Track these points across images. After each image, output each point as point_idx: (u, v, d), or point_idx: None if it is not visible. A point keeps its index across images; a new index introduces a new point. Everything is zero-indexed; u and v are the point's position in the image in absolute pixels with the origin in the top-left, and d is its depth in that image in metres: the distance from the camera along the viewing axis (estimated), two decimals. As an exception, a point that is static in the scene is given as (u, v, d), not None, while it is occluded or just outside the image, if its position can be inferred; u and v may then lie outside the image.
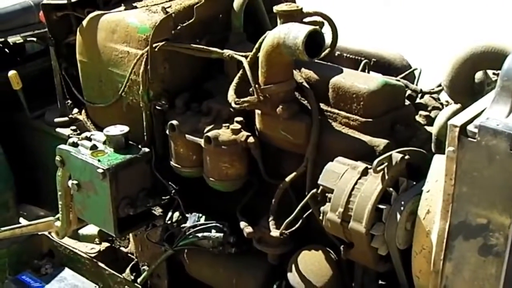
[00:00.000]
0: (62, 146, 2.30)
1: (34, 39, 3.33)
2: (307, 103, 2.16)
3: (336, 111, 2.13)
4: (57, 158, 2.29)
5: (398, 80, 2.30)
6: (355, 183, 1.91)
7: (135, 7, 2.45)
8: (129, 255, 2.67)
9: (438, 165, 1.76)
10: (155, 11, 2.36)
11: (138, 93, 2.35)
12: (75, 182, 2.25)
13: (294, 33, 1.96)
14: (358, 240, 1.91)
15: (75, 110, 2.80)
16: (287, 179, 2.15)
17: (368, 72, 2.44)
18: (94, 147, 2.24)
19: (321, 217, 1.98)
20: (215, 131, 2.19)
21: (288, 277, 2.12)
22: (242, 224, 2.22)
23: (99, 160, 2.18)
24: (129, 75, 2.34)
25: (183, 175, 2.34)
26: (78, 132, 2.75)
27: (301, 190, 2.14)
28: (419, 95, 2.36)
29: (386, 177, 1.87)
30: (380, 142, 2.04)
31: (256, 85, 2.08)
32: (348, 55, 2.56)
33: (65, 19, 2.68)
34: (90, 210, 2.28)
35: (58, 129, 2.84)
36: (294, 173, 2.14)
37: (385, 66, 2.53)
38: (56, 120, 2.88)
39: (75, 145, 2.28)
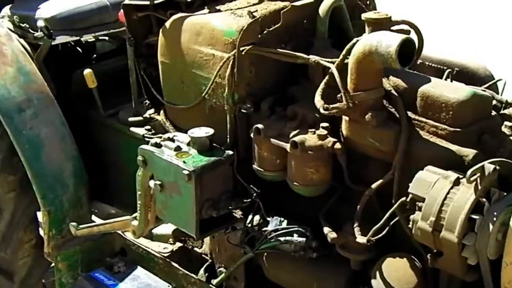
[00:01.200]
0: (144, 146, 2.39)
1: (106, 38, 3.44)
2: (394, 111, 2.21)
3: (424, 119, 2.18)
4: (139, 158, 2.38)
5: (484, 91, 2.33)
6: (447, 193, 1.95)
7: (219, 10, 2.53)
8: (203, 256, 2.74)
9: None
10: (240, 15, 2.44)
11: (222, 96, 2.42)
12: (158, 182, 2.33)
13: (387, 42, 2.02)
14: (449, 249, 1.95)
15: (152, 110, 2.90)
16: (373, 186, 2.20)
17: (451, 81, 2.48)
18: (178, 148, 2.32)
19: (409, 226, 2.03)
20: (301, 136, 2.25)
21: (372, 283, 2.17)
22: (326, 229, 2.28)
23: (184, 162, 2.25)
24: (214, 78, 2.42)
25: (265, 179, 2.41)
26: (153, 132, 2.85)
27: (385, 197, 2.19)
28: (504, 106, 2.39)
29: (479, 187, 1.91)
30: (469, 152, 2.09)
31: (345, 92, 2.14)
32: (430, 64, 2.60)
33: (145, 20, 2.77)
34: (172, 211, 2.35)
35: (132, 128, 2.94)
36: (380, 181, 2.19)
37: (468, 76, 2.57)
38: (131, 119, 2.97)
39: (158, 145, 2.36)
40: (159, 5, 2.69)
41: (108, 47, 3.57)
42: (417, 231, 1.99)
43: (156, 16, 2.73)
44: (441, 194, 1.96)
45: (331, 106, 2.14)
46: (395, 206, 2.08)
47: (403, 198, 2.06)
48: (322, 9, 2.46)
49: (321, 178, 2.29)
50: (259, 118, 2.38)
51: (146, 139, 2.83)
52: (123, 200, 3.02)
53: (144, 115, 2.95)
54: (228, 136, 2.45)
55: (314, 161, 2.26)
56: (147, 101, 2.88)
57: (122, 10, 2.81)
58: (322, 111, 2.16)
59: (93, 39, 3.43)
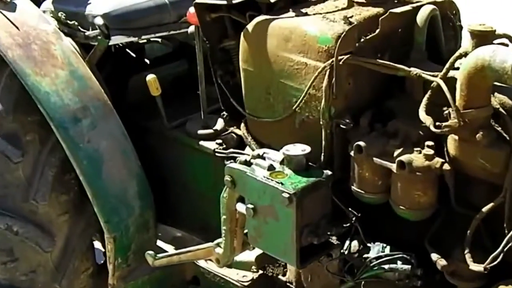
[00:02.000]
0: (233, 165, 2.73)
1: (159, 40, 3.78)
2: (501, 130, 2.55)
3: None
4: (227, 178, 2.72)
5: None
6: None
7: (307, 14, 2.89)
8: (288, 284, 3.10)
9: None
10: (334, 20, 2.79)
11: (316, 109, 2.77)
12: (250, 206, 2.66)
13: (501, 57, 2.36)
14: None
15: (222, 122, 3.28)
16: (484, 209, 2.55)
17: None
18: (271, 168, 2.66)
19: None
20: (407, 155, 2.59)
21: None
22: (434, 256, 2.63)
23: (282, 183, 2.59)
24: (307, 89, 2.77)
25: (364, 201, 2.76)
26: (224, 146, 3.21)
27: (493, 222, 2.54)
28: None
29: None
30: None
31: (457, 109, 2.48)
32: None
33: (219, 21, 3.14)
34: (268, 238, 2.69)
35: (201, 142, 3.30)
36: (491, 204, 2.54)
37: None
38: (200, 132, 3.33)
39: (248, 164, 2.71)
40: (236, 5, 3.05)
41: (158, 50, 3.89)
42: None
43: (232, 18, 3.10)
44: None
45: (444, 124, 2.48)
46: None
47: None
48: (420, 17, 2.81)
49: (428, 201, 2.63)
50: (358, 134, 2.72)
51: (218, 154, 3.21)
52: (190, 222, 3.37)
53: (214, 128, 3.32)
54: (322, 153, 2.80)
55: (421, 183, 2.59)
56: (224, 112, 3.24)
57: (191, 10, 3.16)
58: (432, 129, 2.50)
59: (145, 41, 3.76)
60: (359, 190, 2.75)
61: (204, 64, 3.30)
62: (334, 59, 2.67)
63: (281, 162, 2.69)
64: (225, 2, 3.03)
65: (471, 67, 2.44)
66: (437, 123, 2.50)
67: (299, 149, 2.67)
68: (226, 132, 3.33)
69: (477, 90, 2.48)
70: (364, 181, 2.72)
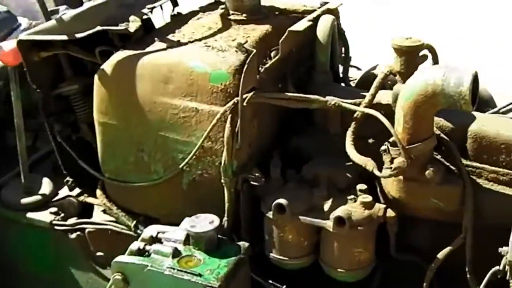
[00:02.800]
0: (124, 259, 2.07)
1: None
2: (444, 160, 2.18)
3: (479, 165, 2.18)
4: (117, 276, 2.06)
5: None
6: None
7: (181, 43, 2.29)
8: None
9: None
10: (222, 49, 2.22)
11: (213, 165, 2.21)
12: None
13: (455, 80, 1.97)
14: None
15: (50, 185, 2.64)
16: (441, 255, 2.16)
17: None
18: (177, 253, 2.05)
19: None
20: (342, 208, 2.13)
21: None
22: None
23: (199, 274, 1.99)
24: (202, 141, 2.17)
25: (286, 268, 2.25)
26: (63, 215, 2.58)
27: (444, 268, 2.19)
28: None
29: None
30: None
31: (403, 146, 2.04)
32: None
33: (52, 61, 2.44)
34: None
35: (30, 214, 2.63)
36: (448, 248, 2.16)
37: None
38: (24, 200, 2.66)
39: (142, 252, 2.07)
40: (76, 40, 2.36)
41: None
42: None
43: (71, 56, 2.41)
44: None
45: (393, 167, 2.04)
46: (488, 276, 2.03)
47: (496, 268, 2.02)
48: (322, 33, 2.35)
49: (369, 257, 2.21)
50: (270, 189, 2.21)
51: (57, 228, 2.57)
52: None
53: (41, 192, 2.65)
54: (226, 218, 2.23)
55: (363, 238, 2.17)
56: (68, 178, 2.58)
57: (5, 47, 2.47)
58: (377, 173, 2.06)
59: None
60: (281, 258, 2.23)
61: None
62: (237, 99, 2.12)
63: (185, 242, 2.10)
64: (64, 37, 2.33)
65: (419, 95, 2.01)
66: (386, 167, 2.07)
67: (205, 222, 2.10)
68: (60, 197, 2.66)
69: (423, 120, 2.07)
70: (287, 245, 2.21)
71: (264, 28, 2.33)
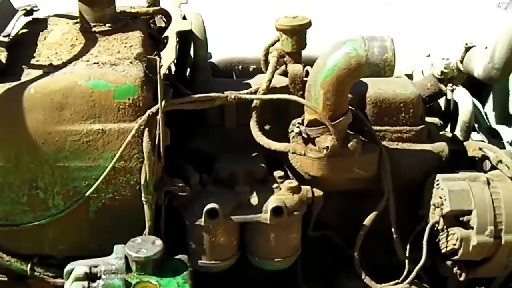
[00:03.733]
0: None
1: None
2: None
3: (382, 127, 2.30)
4: None
5: None
6: (491, 195, 2.17)
7: (58, 66, 2.07)
8: None
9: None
10: (114, 63, 2.06)
11: (127, 184, 2.05)
12: None
13: (378, 48, 2.03)
14: (503, 252, 2.18)
15: None
16: (367, 222, 2.25)
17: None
18: (128, 284, 1.87)
19: (455, 245, 2.16)
20: (273, 198, 2.11)
21: None
22: None
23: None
24: (115, 161, 2.00)
25: (214, 271, 2.20)
26: None
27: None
28: None
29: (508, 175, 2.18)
30: (441, 146, 2.33)
31: (329, 122, 2.08)
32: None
33: None
34: None
35: None
36: (374, 213, 2.25)
37: None
38: None
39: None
40: None
41: None
42: (473, 247, 2.15)
43: None
44: (488, 200, 2.16)
45: (329, 145, 2.06)
46: (428, 231, 2.18)
47: (434, 221, 2.18)
48: (198, 28, 2.28)
49: (299, 240, 2.21)
50: (190, 196, 2.10)
51: None
52: None
53: None
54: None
55: (297, 223, 2.17)
56: None
57: None
58: (311, 155, 2.09)
59: None
60: (212, 262, 2.16)
61: None
62: (151, 111, 1.99)
63: (127, 271, 1.93)
64: None
65: (342, 69, 2.05)
66: (324, 147, 2.08)
67: (149, 244, 1.94)
68: None
69: (344, 94, 2.12)
70: (218, 248, 2.14)
71: (136, 35, 2.20)
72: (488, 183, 2.18)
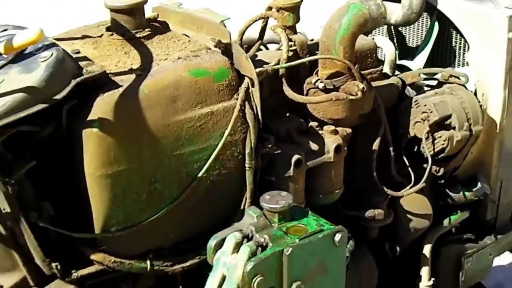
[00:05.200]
0: (254, 260, 2.06)
1: None
2: None
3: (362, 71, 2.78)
4: (258, 279, 2.06)
5: None
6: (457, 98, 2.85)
7: (144, 69, 2.23)
8: None
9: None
10: (195, 55, 2.31)
11: (231, 157, 2.32)
12: (298, 284, 2.14)
13: (374, 6, 2.55)
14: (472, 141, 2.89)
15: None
16: (375, 146, 2.72)
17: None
18: (283, 230, 2.17)
19: (443, 144, 2.77)
20: (329, 140, 2.52)
21: None
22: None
23: (321, 230, 2.17)
24: (225, 137, 2.26)
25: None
26: None
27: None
28: None
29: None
30: (396, 79, 2.93)
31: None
32: None
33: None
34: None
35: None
36: (378, 138, 2.73)
37: None
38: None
39: (262, 247, 2.13)
40: None
41: None
42: (455, 142, 2.76)
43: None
44: (458, 104, 2.79)
45: (362, 88, 2.52)
46: (424, 138, 2.75)
47: (425, 131, 2.75)
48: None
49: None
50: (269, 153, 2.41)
51: None
52: None
53: None
54: (248, 198, 2.38)
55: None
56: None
57: None
58: (355, 97, 2.52)
59: None
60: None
61: None
62: (248, 81, 2.33)
63: (270, 222, 2.21)
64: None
65: (355, 26, 2.54)
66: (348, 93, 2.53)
67: (283, 197, 2.23)
68: None
69: (354, 47, 2.59)
70: (298, 195, 2.47)
71: (174, 34, 2.44)
72: (451, 93, 2.82)
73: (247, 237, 2.19)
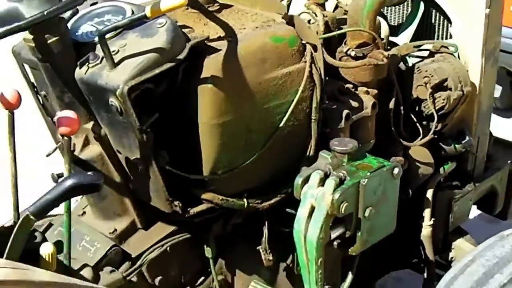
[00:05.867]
0: (340, 190, 2.56)
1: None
2: None
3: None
4: (345, 204, 2.57)
5: None
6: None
7: (231, 35, 2.64)
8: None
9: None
10: (268, 25, 2.76)
11: (301, 111, 2.79)
12: (370, 209, 2.66)
13: None
14: (463, 99, 3.41)
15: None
16: (391, 105, 3.23)
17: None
18: (353, 168, 2.66)
19: (443, 103, 3.30)
20: (366, 98, 3.04)
21: None
22: None
23: (383, 165, 2.69)
24: (299, 93, 2.73)
25: None
26: None
27: None
28: None
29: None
30: (394, 51, 3.42)
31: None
32: None
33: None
34: (378, 226, 2.74)
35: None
36: (393, 99, 3.23)
37: None
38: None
39: (340, 178, 2.62)
40: None
41: None
42: (452, 100, 3.30)
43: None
44: (451, 68, 3.33)
45: (388, 54, 3.02)
46: (430, 97, 3.26)
47: (428, 92, 3.26)
48: None
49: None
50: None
51: None
52: None
53: None
54: (314, 148, 2.86)
55: None
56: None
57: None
58: (386, 62, 3.05)
59: None
60: None
61: None
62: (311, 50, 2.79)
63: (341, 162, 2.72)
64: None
65: (377, 4, 3.06)
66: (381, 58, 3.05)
67: (348, 142, 2.76)
68: None
69: (376, 20, 3.12)
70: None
71: (238, 9, 2.87)
72: (444, 61, 3.38)
73: (326, 174, 2.67)
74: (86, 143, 2.64)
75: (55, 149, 2.69)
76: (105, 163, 2.66)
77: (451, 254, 3.65)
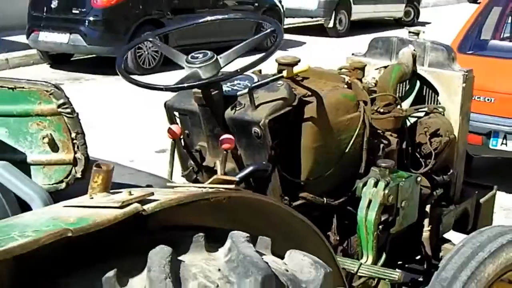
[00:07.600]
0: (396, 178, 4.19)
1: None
2: None
3: None
4: (390, 197, 4.18)
5: None
6: None
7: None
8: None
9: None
10: (337, 84, 4.39)
11: (357, 142, 4.34)
12: (405, 202, 4.26)
13: (405, 63, 4.74)
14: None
15: None
16: (404, 146, 4.84)
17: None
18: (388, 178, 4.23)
19: None
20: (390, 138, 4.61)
21: None
22: None
23: (411, 174, 4.27)
24: (357, 131, 4.31)
25: None
26: None
27: None
28: None
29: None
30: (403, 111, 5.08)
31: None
32: None
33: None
34: (409, 215, 4.36)
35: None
36: (405, 142, 4.83)
37: None
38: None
39: (387, 182, 4.18)
40: None
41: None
42: (443, 144, 4.92)
43: None
44: (440, 121, 4.96)
45: None
46: (428, 143, 4.89)
47: (428, 138, 4.91)
48: None
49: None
50: None
51: None
52: None
53: None
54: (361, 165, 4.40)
55: None
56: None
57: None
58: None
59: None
60: None
61: None
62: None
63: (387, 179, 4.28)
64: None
65: (398, 78, 4.81)
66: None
67: (388, 162, 4.35)
68: None
69: (396, 89, 4.75)
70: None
71: (315, 78, 4.48)
72: (436, 117, 5.03)
73: (377, 180, 4.25)
74: (225, 160, 4.16)
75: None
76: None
77: (440, 254, 5.23)
